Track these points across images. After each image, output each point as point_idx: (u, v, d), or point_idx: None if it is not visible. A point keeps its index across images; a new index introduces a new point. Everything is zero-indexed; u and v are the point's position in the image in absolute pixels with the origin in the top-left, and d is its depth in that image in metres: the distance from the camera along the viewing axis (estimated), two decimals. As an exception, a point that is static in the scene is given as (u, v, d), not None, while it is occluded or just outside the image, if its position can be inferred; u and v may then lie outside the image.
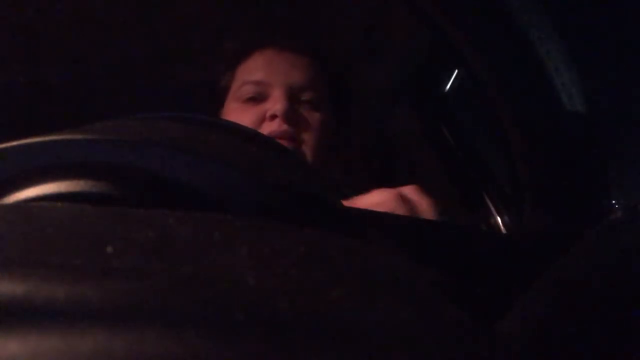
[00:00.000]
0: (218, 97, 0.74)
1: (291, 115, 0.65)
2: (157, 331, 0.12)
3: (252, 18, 0.83)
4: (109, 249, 0.14)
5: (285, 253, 0.16)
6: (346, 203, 0.45)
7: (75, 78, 0.81)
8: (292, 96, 0.67)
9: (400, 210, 0.48)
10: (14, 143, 0.22)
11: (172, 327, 0.12)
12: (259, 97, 0.68)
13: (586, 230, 0.25)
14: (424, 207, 0.51)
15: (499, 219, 0.82)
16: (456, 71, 0.90)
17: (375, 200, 0.49)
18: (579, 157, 0.63)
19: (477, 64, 0.68)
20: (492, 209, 0.83)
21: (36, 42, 0.75)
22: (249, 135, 0.36)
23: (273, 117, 0.65)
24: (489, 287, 0.32)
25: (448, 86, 0.92)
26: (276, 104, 0.65)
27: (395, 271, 0.18)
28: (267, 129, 0.65)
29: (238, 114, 0.68)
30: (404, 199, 0.49)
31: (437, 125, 0.93)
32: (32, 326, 0.12)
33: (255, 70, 0.69)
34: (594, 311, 0.20)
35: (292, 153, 0.40)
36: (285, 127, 0.64)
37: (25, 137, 0.23)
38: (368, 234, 0.33)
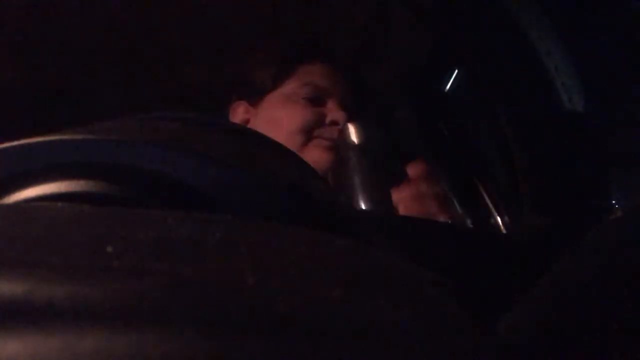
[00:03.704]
0: (250, 90, 0.75)
1: None
2: (157, 331, 0.12)
3: (257, 19, 0.83)
4: (109, 249, 0.14)
5: (285, 253, 0.16)
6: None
7: (76, 78, 0.81)
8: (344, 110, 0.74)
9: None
10: (14, 143, 0.22)
11: (172, 327, 0.12)
12: (316, 100, 0.72)
13: (586, 231, 0.25)
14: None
15: (499, 219, 0.82)
16: (456, 71, 0.90)
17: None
18: (578, 157, 0.63)
19: (477, 64, 0.68)
20: (492, 209, 0.82)
21: (37, 41, 0.76)
22: (250, 136, 0.36)
23: (334, 123, 0.69)
24: (489, 287, 0.32)
25: (448, 86, 0.92)
26: (338, 112, 0.70)
27: (395, 271, 0.18)
28: (328, 133, 0.68)
29: (295, 108, 0.71)
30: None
31: (437, 125, 0.93)
32: (32, 326, 0.12)
33: (320, 75, 0.74)
34: (593, 311, 0.20)
35: (292, 154, 0.40)
36: None
37: (26, 137, 0.23)
38: (368, 234, 0.33)
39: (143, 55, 0.82)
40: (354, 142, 0.57)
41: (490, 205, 0.83)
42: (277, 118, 0.70)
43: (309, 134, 0.67)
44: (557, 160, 0.63)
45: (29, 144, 0.22)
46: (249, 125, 0.73)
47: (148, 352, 0.12)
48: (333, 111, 0.70)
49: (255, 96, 0.74)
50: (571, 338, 0.20)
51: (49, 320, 0.12)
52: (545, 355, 0.20)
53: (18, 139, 0.23)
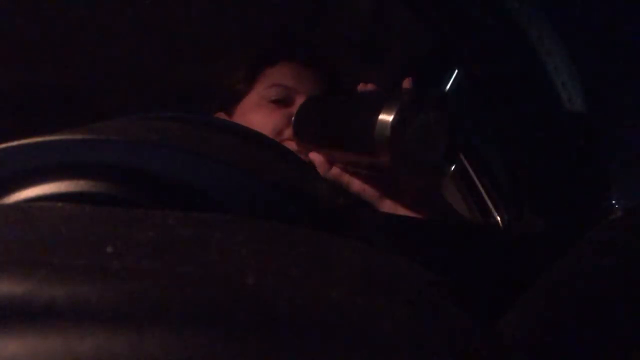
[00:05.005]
0: (227, 99, 0.75)
1: None
2: (157, 331, 0.12)
3: (255, 19, 0.83)
4: (109, 249, 0.14)
5: (285, 253, 0.16)
6: None
7: (76, 78, 0.81)
8: None
9: None
10: (14, 143, 0.22)
11: (172, 327, 0.12)
12: (284, 100, 0.71)
13: (586, 231, 0.25)
14: None
15: (499, 219, 0.82)
16: (456, 71, 0.90)
17: None
18: (578, 157, 0.63)
19: (477, 64, 0.68)
20: (492, 209, 0.83)
21: (37, 42, 0.76)
22: (249, 136, 0.36)
23: None
24: (489, 286, 0.32)
25: (448, 86, 0.92)
26: None
27: (395, 271, 0.18)
28: None
29: (264, 113, 0.71)
30: None
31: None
32: (32, 326, 0.12)
33: (285, 76, 0.73)
34: (593, 311, 0.20)
35: (292, 153, 0.40)
36: None
37: (26, 137, 0.23)
38: (368, 234, 0.33)
39: (141, 53, 0.82)
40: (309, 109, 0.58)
41: (490, 205, 0.83)
42: (249, 125, 0.70)
43: (280, 137, 0.67)
44: (557, 160, 0.63)
45: (29, 144, 0.22)
46: None
47: (148, 352, 0.12)
48: None
49: (231, 105, 0.74)
50: (571, 338, 0.20)
51: (49, 320, 0.12)
52: (545, 355, 0.20)
53: (18, 139, 0.23)
